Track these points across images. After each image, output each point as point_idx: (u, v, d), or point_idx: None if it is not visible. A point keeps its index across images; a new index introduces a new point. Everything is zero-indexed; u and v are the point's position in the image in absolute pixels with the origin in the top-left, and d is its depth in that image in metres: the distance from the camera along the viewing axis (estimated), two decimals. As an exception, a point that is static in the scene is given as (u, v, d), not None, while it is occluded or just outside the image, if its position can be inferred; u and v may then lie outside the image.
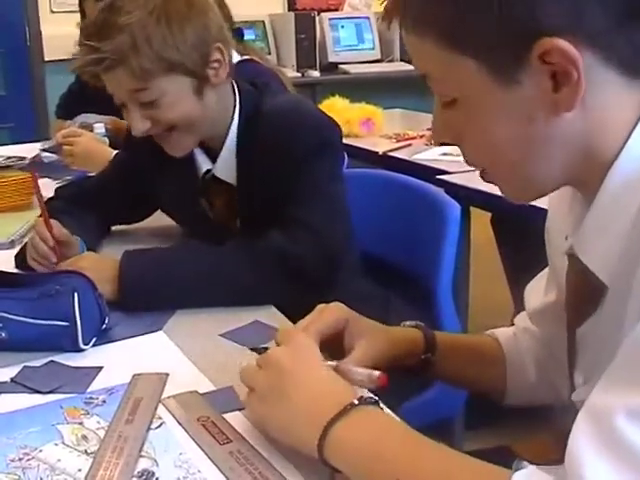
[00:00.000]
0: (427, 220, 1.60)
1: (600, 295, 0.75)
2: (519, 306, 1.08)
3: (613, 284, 0.73)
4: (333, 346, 0.95)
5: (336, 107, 2.93)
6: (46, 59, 4.35)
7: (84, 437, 0.87)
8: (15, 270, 1.41)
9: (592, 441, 0.60)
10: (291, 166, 1.34)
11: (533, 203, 0.83)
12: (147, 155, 1.46)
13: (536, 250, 0.98)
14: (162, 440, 0.86)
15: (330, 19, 4.90)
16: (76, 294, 1.10)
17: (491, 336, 1.10)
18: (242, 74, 1.94)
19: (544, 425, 0.96)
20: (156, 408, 0.93)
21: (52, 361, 1.07)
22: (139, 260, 1.30)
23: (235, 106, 1.42)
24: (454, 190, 1.86)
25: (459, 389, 1.37)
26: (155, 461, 0.82)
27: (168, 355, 1.09)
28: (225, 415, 0.90)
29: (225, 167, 1.43)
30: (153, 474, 0.80)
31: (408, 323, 1.06)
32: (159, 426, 0.89)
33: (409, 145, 2.73)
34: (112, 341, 1.14)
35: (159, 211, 1.63)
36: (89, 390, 0.99)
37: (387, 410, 0.85)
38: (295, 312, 1.06)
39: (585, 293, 0.79)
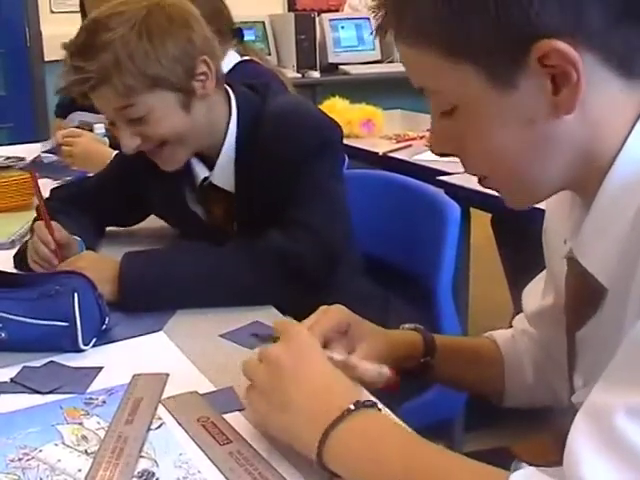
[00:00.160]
0: (427, 221, 1.60)
1: (600, 298, 0.75)
2: (519, 307, 1.08)
3: (612, 286, 0.73)
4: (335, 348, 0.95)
5: (336, 108, 2.93)
6: (46, 59, 4.36)
7: (84, 437, 0.87)
8: (14, 270, 1.41)
9: (591, 440, 0.60)
10: (292, 168, 1.34)
11: (533, 204, 0.83)
12: (143, 159, 1.46)
13: (536, 251, 0.98)
14: (162, 440, 0.86)
15: (330, 20, 4.90)
16: (76, 294, 1.10)
17: (489, 338, 1.10)
18: (242, 75, 1.93)
19: (544, 427, 0.96)
20: (156, 408, 0.93)
21: (52, 361, 1.07)
22: (139, 260, 1.30)
23: (231, 113, 1.41)
24: (454, 191, 1.87)
25: (458, 391, 1.38)
26: (155, 461, 0.82)
27: (168, 355, 1.09)
28: (225, 416, 0.90)
29: (223, 174, 1.42)
30: (153, 474, 0.80)
31: (407, 326, 1.06)
32: (159, 426, 0.89)
33: (409, 146, 2.73)
34: (112, 341, 1.14)
35: (158, 212, 1.63)
36: (89, 390, 0.99)
37: (386, 410, 0.85)
38: (295, 312, 1.06)
39: (584, 296, 0.79)
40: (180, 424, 0.89)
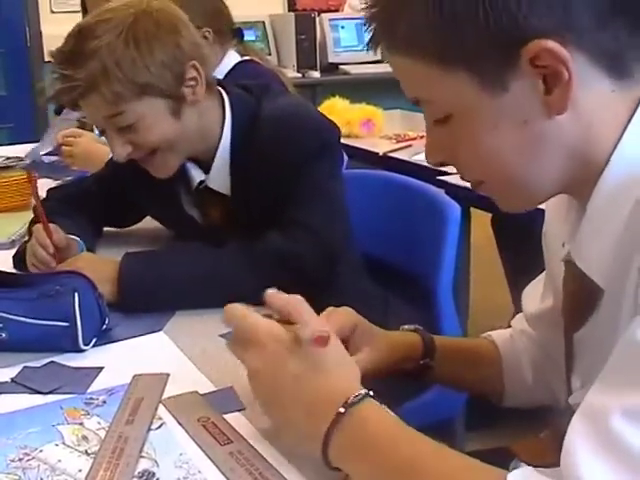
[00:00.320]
0: (427, 221, 1.60)
1: (596, 299, 0.76)
2: (519, 308, 1.08)
3: (608, 287, 0.73)
4: None
5: (336, 108, 2.93)
6: (46, 59, 4.35)
7: (84, 437, 0.87)
8: (14, 271, 1.41)
9: (588, 442, 0.60)
10: (291, 170, 1.33)
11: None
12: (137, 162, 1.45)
13: (536, 252, 0.98)
14: (162, 441, 0.86)
15: (330, 20, 4.91)
16: (76, 294, 1.10)
17: (488, 339, 1.10)
18: (242, 75, 1.93)
19: (544, 427, 0.96)
20: (156, 409, 0.93)
21: (52, 361, 1.07)
22: (139, 261, 1.30)
23: (225, 116, 1.40)
24: (454, 191, 1.86)
25: (458, 392, 1.38)
26: (155, 462, 0.82)
27: (168, 355, 1.09)
28: (225, 416, 0.90)
29: (219, 178, 1.42)
30: (153, 474, 0.80)
31: (407, 327, 1.06)
32: (159, 427, 0.89)
33: (409, 146, 2.73)
34: (112, 341, 1.14)
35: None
36: (89, 391, 0.99)
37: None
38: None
39: (582, 298, 0.79)
40: (180, 424, 0.89)
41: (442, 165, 0.82)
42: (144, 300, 1.24)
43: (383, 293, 1.59)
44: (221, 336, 1.14)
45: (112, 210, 1.60)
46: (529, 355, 1.05)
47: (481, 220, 2.44)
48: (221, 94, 1.43)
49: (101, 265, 1.29)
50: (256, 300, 1.24)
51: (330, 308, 0.97)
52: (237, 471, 0.79)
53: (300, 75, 4.57)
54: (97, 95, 1.28)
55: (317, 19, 4.80)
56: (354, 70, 4.72)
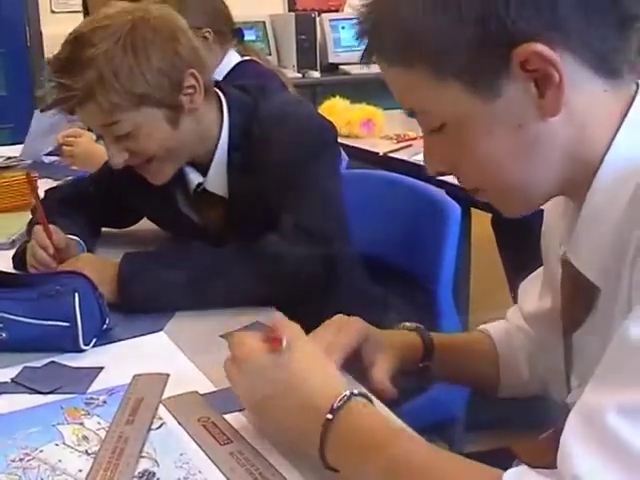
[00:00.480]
0: (428, 221, 1.61)
1: (593, 298, 0.76)
2: (519, 307, 1.09)
3: (604, 285, 0.74)
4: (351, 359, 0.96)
5: (337, 108, 2.93)
6: (46, 59, 4.35)
7: (85, 437, 0.87)
8: (14, 271, 1.41)
9: (585, 440, 0.60)
10: (290, 170, 1.33)
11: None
12: None
13: (536, 250, 0.99)
14: (163, 441, 0.86)
15: (330, 20, 4.90)
16: (77, 294, 1.10)
17: (484, 332, 1.10)
18: (242, 75, 1.93)
19: (545, 427, 0.96)
20: (157, 409, 0.93)
21: (52, 361, 1.07)
22: (138, 262, 1.29)
23: (223, 118, 1.40)
24: (454, 191, 1.85)
25: (458, 389, 1.38)
26: (156, 461, 0.82)
27: (169, 356, 1.09)
28: (226, 416, 0.90)
29: (216, 180, 1.41)
30: (154, 474, 0.80)
31: (408, 325, 1.06)
32: (160, 427, 0.89)
33: (410, 146, 2.73)
34: (113, 341, 1.14)
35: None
36: (90, 391, 0.99)
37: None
38: (295, 313, 1.06)
39: (579, 298, 0.79)
40: (181, 424, 0.90)
41: (442, 175, 0.83)
42: (144, 300, 1.24)
43: (383, 293, 1.59)
44: (221, 336, 1.15)
45: (109, 211, 1.60)
46: (526, 352, 1.06)
47: (481, 220, 2.44)
48: (219, 96, 1.42)
49: (101, 265, 1.29)
50: (254, 301, 1.26)
51: (339, 316, 0.98)
52: (237, 471, 0.79)
53: (300, 75, 4.57)
54: (94, 104, 1.28)
55: (317, 19, 4.80)
56: (354, 70, 4.71)
